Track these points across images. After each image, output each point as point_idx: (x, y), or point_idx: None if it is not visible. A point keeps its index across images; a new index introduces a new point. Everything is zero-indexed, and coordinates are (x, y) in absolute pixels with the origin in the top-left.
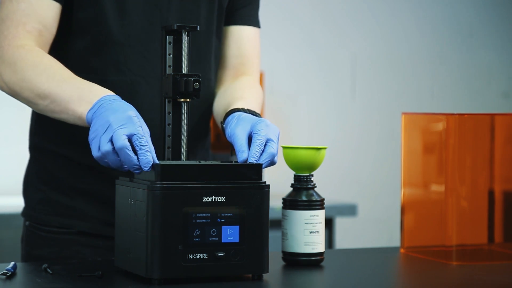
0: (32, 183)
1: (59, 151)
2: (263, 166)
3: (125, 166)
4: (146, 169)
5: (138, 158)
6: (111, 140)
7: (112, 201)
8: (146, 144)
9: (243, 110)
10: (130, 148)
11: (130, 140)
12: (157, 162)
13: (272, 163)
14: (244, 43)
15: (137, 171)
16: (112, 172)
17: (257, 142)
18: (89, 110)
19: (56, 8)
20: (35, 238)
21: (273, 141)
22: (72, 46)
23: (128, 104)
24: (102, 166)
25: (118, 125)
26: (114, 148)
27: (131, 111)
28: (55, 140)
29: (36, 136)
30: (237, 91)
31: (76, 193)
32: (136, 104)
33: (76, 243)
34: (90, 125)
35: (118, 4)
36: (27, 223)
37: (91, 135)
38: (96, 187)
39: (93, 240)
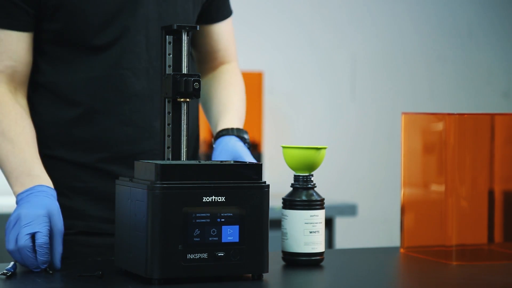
0: None
1: (52, 153)
2: None
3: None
4: (43, 267)
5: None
6: (16, 238)
7: (108, 198)
8: (45, 244)
9: (232, 132)
10: (30, 248)
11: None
12: (59, 264)
13: None
14: (221, 37)
15: (36, 270)
16: (106, 168)
17: None
18: (19, 194)
19: (26, 37)
20: None
21: None
22: (57, 49)
23: (50, 199)
24: (97, 163)
25: (25, 222)
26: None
27: (43, 210)
28: (48, 143)
29: None
30: (223, 94)
31: (73, 193)
32: (125, 96)
33: (75, 243)
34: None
35: None
36: None
37: (7, 224)
38: (92, 185)
39: (91, 238)
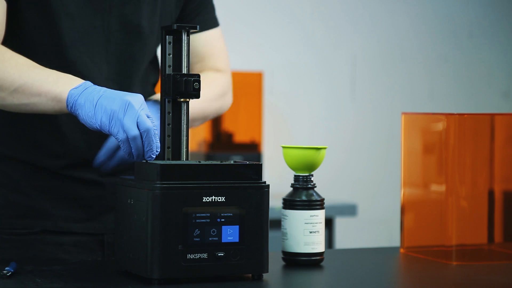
0: None
1: (11, 154)
2: None
3: (139, 153)
4: (155, 155)
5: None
6: (136, 123)
7: (71, 197)
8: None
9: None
10: (156, 130)
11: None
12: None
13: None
14: (204, 46)
15: (153, 155)
16: (69, 174)
17: None
18: (73, 88)
19: (3, 6)
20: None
21: None
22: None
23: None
24: (56, 166)
25: (138, 106)
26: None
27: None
28: (6, 144)
29: None
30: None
31: (34, 193)
32: None
33: (40, 242)
34: (76, 105)
35: (63, 7)
36: None
37: (100, 117)
38: (53, 183)
39: (57, 237)
